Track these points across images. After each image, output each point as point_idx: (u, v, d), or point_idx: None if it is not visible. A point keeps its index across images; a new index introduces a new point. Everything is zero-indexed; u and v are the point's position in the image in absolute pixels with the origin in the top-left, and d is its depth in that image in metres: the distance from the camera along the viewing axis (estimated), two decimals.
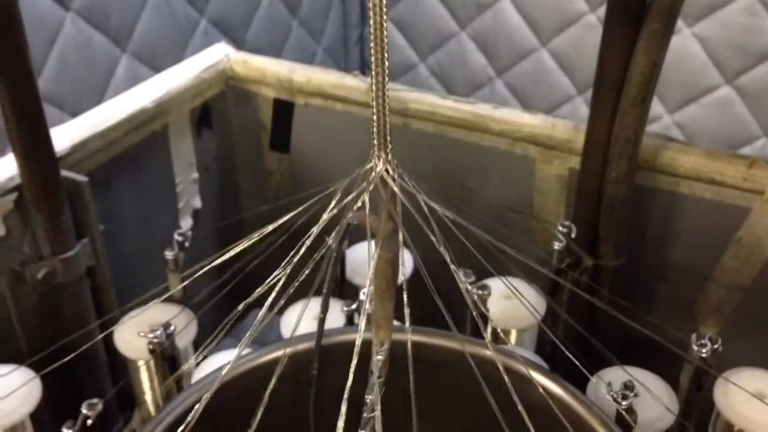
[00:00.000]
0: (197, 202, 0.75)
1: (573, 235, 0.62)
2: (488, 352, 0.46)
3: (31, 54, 0.89)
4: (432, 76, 1.41)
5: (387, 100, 0.36)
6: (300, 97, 0.72)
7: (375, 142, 0.37)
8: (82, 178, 0.59)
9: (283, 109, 0.73)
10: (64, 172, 0.59)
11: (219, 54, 0.73)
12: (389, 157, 0.37)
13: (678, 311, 0.65)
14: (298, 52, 1.28)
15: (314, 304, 0.43)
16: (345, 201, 0.36)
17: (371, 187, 0.36)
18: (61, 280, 0.60)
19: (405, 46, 1.40)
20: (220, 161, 0.76)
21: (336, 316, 0.55)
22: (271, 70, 0.72)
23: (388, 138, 0.38)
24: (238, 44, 1.07)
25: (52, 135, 0.58)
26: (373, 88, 0.35)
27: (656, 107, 1.25)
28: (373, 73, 0.34)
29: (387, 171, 0.36)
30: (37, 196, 0.57)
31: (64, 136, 0.61)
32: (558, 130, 0.63)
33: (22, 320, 0.60)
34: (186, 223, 0.74)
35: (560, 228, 0.62)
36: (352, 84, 0.69)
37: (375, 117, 0.37)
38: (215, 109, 0.74)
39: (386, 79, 0.34)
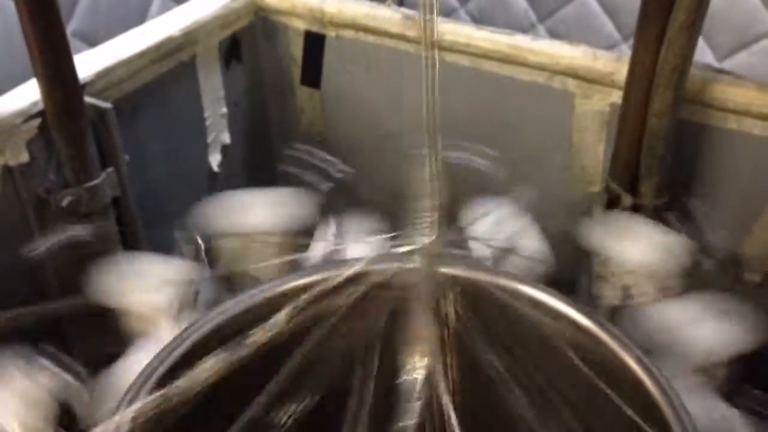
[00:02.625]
0: (226, 138, 0.73)
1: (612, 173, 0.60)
2: (514, 285, 0.44)
3: None
4: (472, 21, 1.37)
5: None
6: (331, 29, 0.70)
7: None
8: (106, 104, 0.58)
9: (314, 42, 0.71)
10: (88, 99, 0.58)
11: None
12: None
13: (722, 254, 0.62)
14: None
15: None
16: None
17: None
18: (85, 209, 0.59)
19: None
20: (249, 96, 0.75)
21: None
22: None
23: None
24: None
25: (76, 62, 0.56)
26: None
27: (705, 54, 1.20)
28: None
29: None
30: (60, 122, 0.56)
31: (89, 62, 0.60)
32: (600, 62, 0.60)
33: (48, 249, 0.60)
34: (215, 158, 0.73)
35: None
36: (385, 14, 0.67)
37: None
38: (245, 41, 0.72)
39: None
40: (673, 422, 0.36)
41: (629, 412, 0.36)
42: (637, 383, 0.39)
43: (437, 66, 0.29)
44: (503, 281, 0.44)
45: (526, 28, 1.33)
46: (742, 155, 0.58)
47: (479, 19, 1.35)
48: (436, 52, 0.28)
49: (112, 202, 0.61)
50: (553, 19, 1.30)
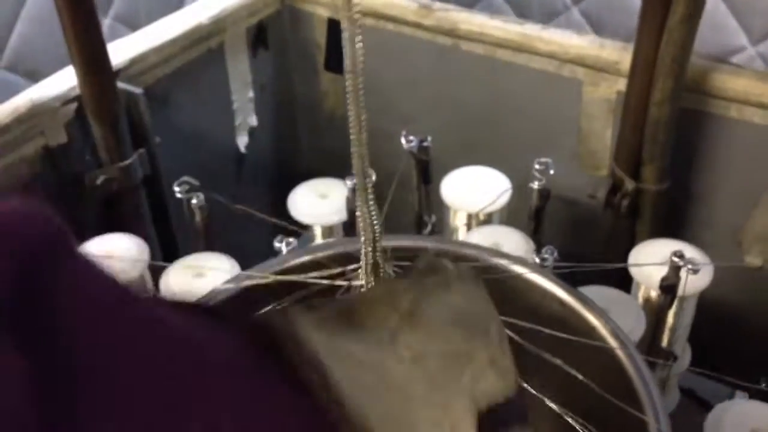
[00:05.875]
0: (253, 120, 0.77)
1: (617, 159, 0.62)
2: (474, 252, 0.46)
3: None
4: (506, 3, 1.38)
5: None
6: None
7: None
8: (137, 89, 0.62)
9: (337, 29, 0.74)
10: (121, 84, 0.62)
11: None
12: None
13: (723, 238, 0.64)
14: None
15: None
16: None
17: None
18: (118, 187, 0.63)
19: None
20: (276, 81, 0.78)
21: None
22: None
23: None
24: None
25: (111, 48, 0.61)
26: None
27: (740, 38, 1.20)
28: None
29: None
30: (95, 106, 0.60)
31: (123, 50, 0.64)
32: (606, 51, 0.62)
33: (82, 227, 0.65)
34: (242, 140, 0.77)
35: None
36: (403, 3, 0.70)
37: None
38: (271, 28, 0.75)
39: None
40: (640, 387, 0.39)
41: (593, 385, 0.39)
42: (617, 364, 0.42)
43: (361, 90, 0.30)
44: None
45: (560, 11, 1.34)
46: (743, 143, 0.60)
47: (513, 1, 1.36)
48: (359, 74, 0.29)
49: (143, 181, 0.66)
50: (587, 1, 1.31)
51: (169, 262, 0.59)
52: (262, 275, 0.43)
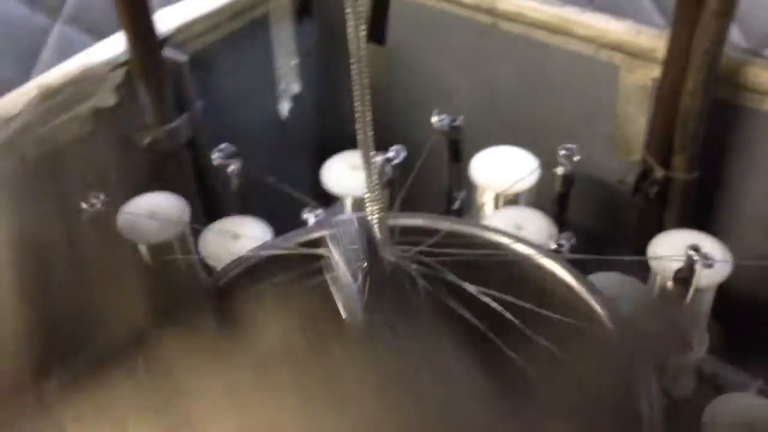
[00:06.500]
0: (297, 87, 0.79)
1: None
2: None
3: None
4: None
5: None
6: None
7: None
8: (181, 56, 0.65)
9: (381, 2, 0.75)
10: (167, 51, 0.64)
11: None
12: None
13: (753, 230, 0.64)
14: None
15: None
16: None
17: None
18: (163, 148, 0.67)
19: None
20: (320, 49, 0.80)
21: None
22: None
23: None
24: None
25: (159, 16, 0.63)
26: None
27: None
28: None
29: None
30: (141, 71, 0.63)
31: (171, 17, 0.67)
32: (642, 37, 0.62)
33: (129, 187, 0.68)
34: (284, 106, 0.79)
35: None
36: None
37: None
38: None
39: None
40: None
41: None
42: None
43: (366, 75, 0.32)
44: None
45: None
46: None
47: None
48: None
49: (187, 144, 0.69)
50: None
51: (212, 222, 0.62)
52: (282, 246, 0.45)
